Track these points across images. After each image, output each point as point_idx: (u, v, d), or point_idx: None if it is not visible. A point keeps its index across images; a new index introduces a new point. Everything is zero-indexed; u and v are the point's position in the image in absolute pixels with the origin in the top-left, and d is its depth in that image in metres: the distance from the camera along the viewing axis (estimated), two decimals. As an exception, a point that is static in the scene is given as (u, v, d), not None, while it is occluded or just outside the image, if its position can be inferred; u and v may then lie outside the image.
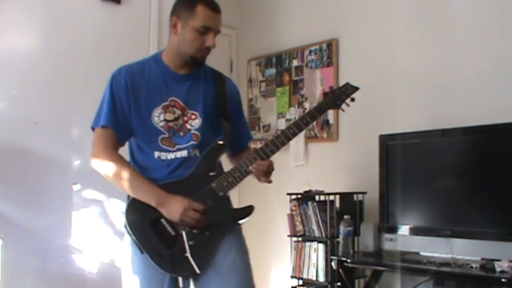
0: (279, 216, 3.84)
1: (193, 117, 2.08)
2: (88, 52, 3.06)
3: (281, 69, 4.17)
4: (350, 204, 3.35)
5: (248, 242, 2.15)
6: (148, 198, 1.97)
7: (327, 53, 3.83)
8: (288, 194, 3.55)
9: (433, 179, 3.01)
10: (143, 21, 3.27)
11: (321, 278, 3.31)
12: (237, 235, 2.12)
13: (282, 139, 2.04)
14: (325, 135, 3.82)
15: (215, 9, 2.03)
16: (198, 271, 1.96)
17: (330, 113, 3.78)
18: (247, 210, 2.08)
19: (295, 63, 4.06)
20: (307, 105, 3.92)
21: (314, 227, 3.38)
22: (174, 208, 1.94)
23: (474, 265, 2.65)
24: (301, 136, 3.94)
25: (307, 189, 3.51)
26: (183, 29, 2.03)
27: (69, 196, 2.96)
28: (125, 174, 1.99)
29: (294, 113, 4.01)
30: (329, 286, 3.27)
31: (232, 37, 4.48)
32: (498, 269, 2.55)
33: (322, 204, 3.36)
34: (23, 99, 2.87)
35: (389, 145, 3.13)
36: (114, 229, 3.08)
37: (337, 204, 3.36)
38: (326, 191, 3.40)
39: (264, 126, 4.28)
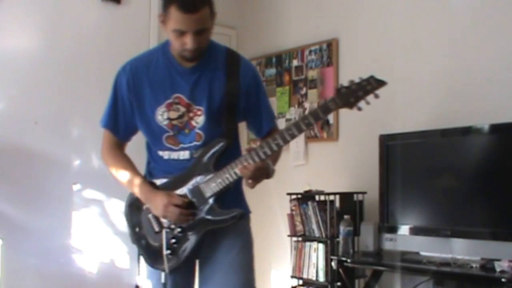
0: (279, 216, 3.84)
1: (198, 113, 1.97)
2: (88, 52, 3.06)
3: (281, 69, 4.17)
4: (350, 204, 3.35)
5: (248, 242, 2.14)
6: (137, 193, 2.01)
7: (327, 53, 3.83)
8: (288, 194, 3.55)
9: (433, 179, 3.01)
10: (143, 21, 3.27)
11: (321, 278, 3.31)
12: (240, 233, 2.06)
13: (278, 141, 1.86)
14: (325, 135, 3.82)
15: (188, 10, 1.80)
16: (166, 270, 1.96)
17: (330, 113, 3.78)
18: (231, 215, 1.95)
19: (295, 63, 4.06)
20: (307, 105, 3.92)
21: (314, 227, 3.38)
22: (157, 204, 1.94)
23: (474, 265, 2.65)
24: (301, 136, 3.94)
25: (307, 189, 3.51)
26: (166, 29, 1.91)
27: (69, 196, 2.97)
28: (121, 171, 2.06)
29: (294, 113, 4.01)
30: (329, 286, 3.27)
31: (232, 37, 4.48)
32: (498, 269, 2.55)
33: (322, 204, 3.36)
34: (23, 99, 2.87)
35: (389, 145, 3.13)
36: (114, 229, 3.08)
37: (337, 204, 3.36)
38: (326, 191, 3.40)
39: (264, 126, 4.28)
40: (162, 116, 1.98)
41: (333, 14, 3.87)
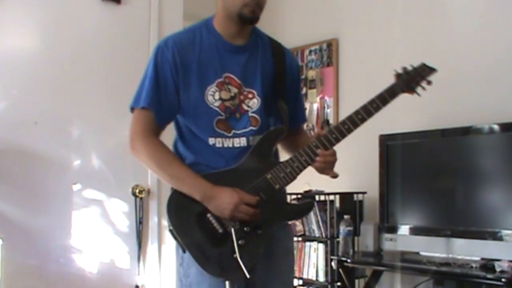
0: (279, 216, 3.83)
1: (250, 96, 1.81)
2: (88, 52, 3.05)
3: (281, 69, 4.17)
4: (350, 204, 3.35)
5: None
6: (192, 191, 1.73)
7: (327, 53, 3.83)
8: (288, 194, 3.54)
9: (433, 179, 3.02)
10: (143, 21, 3.27)
11: (321, 278, 3.31)
12: (291, 237, 1.99)
13: (349, 125, 1.78)
14: (325, 135, 3.82)
15: None
16: (247, 275, 1.68)
17: (330, 113, 3.79)
18: (307, 206, 1.89)
19: (295, 63, 4.06)
20: (307, 105, 3.92)
21: (314, 227, 3.38)
22: (223, 203, 1.70)
23: (474, 265, 2.65)
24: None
25: (307, 189, 3.51)
26: None
27: (69, 196, 2.96)
28: (165, 163, 1.77)
29: (294, 113, 4.01)
30: (329, 286, 3.27)
31: (232, 37, 4.47)
32: (498, 269, 2.56)
33: (322, 204, 3.36)
34: (23, 99, 2.86)
35: (389, 145, 3.13)
36: (114, 229, 3.08)
37: (337, 204, 3.36)
38: (326, 191, 3.40)
39: (264, 126, 4.27)
40: (213, 96, 1.77)
41: (333, 14, 3.87)
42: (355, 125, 1.80)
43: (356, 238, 3.26)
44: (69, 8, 3.02)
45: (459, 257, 2.76)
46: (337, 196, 3.37)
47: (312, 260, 3.38)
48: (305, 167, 1.78)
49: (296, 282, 3.51)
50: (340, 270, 3.13)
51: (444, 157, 3.00)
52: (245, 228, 1.73)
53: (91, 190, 3.03)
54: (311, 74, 3.94)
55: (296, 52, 4.05)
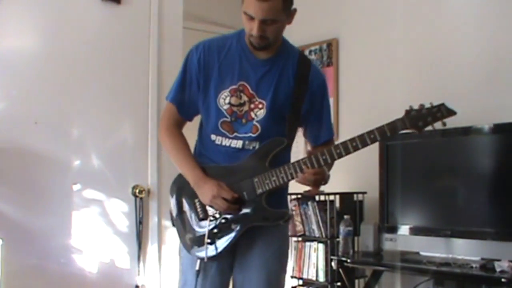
0: (279, 216, 3.83)
1: (260, 106, 1.97)
2: (88, 52, 3.05)
3: (281, 69, 4.17)
4: (350, 204, 3.35)
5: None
6: (187, 177, 2.00)
7: (327, 53, 3.83)
8: (288, 194, 3.55)
9: (433, 179, 3.02)
10: (143, 21, 3.26)
11: (321, 278, 3.31)
12: (279, 235, 2.07)
13: (341, 150, 1.86)
14: (325, 135, 3.82)
15: None
16: (205, 259, 1.94)
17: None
18: (281, 215, 2.00)
19: (295, 63, 4.06)
20: (307, 105, 3.92)
21: (314, 227, 3.38)
22: (204, 193, 1.94)
23: (474, 265, 2.65)
24: (300, 136, 3.94)
25: (307, 189, 3.50)
26: (242, 8, 1.88)
27: (69, 196, 2.96)
28: (175, 149, 2.05)
29: (294, 113, 4.01)
30: (329, 286, 3.27)
31: (232, 37, 4.46)
32: (498, 269, 2.56)
33: (322, 204, 3.36)
34: (23, 99, 2.86)
35: (389, 145, 3.13)
36: (114, 229, 3.08)
37: (337, 204, 3.36)
38: (326, 191, 3.39)
39: (264, 126, 4.27)
40: (224, 100, 1.97)
41: (333, 14, 3.87)
42: (347, 151, 1.86)
43: (356, 238, 3.27)
44: (69, 8, 3.02)
45: (459, 257, 2.76)
46: (337, 196, 3.37)
47: (312, 260, 3.38)
48: (289, 180, 1.93)
49: (296, 282, 3.52)
50: (340, 270, 3.13)
51: (444, 157, 2.99)
52: (222, 220, 1.95)
53: (91, 190, 3.03)
54: (311, 74, 3.93)
55: (296, 52, 4.05)
